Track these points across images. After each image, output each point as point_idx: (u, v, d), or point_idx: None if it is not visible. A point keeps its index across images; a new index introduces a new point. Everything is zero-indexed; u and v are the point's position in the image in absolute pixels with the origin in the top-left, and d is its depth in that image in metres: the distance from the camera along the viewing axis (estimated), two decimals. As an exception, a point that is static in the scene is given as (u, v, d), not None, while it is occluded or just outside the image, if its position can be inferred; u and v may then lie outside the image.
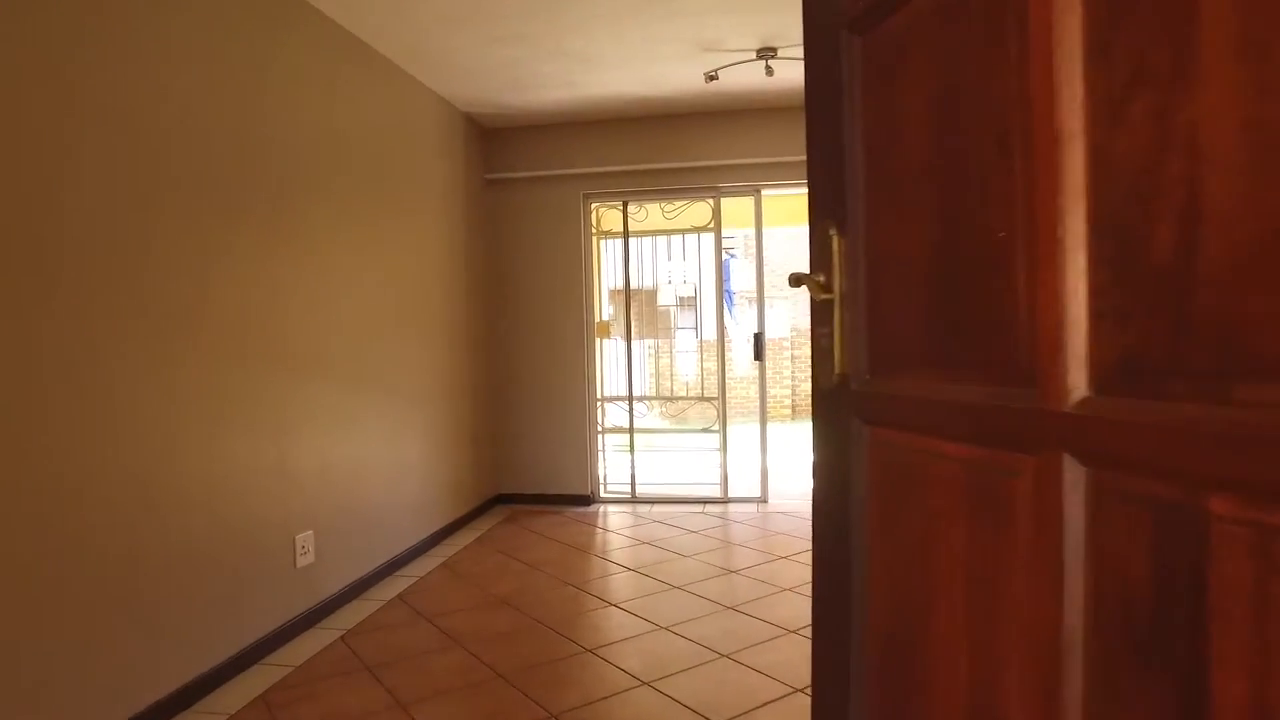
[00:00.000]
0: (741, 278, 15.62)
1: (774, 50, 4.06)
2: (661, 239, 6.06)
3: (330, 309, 3.45)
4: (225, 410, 2.77)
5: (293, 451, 3.15)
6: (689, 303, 16.62)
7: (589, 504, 5.47)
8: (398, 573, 3.96)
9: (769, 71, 4.09)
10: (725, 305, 16.59)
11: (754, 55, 4.11)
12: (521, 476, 5.53)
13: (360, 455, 3.69)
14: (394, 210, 4.12)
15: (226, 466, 2.77)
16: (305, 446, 3.24)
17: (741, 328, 14.93)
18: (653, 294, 12.46)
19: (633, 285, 5.66)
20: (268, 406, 3.01)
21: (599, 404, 5.65)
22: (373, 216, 3.87)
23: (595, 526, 4.94)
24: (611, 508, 5.43)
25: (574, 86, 4.65)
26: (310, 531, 3.24)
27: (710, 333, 14.59)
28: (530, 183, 5.44)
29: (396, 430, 4.08)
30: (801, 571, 3.88)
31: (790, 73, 4.35)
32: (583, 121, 5.35)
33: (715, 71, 4.16)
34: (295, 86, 3.25)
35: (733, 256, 16.36)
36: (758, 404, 5.59)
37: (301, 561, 3.17)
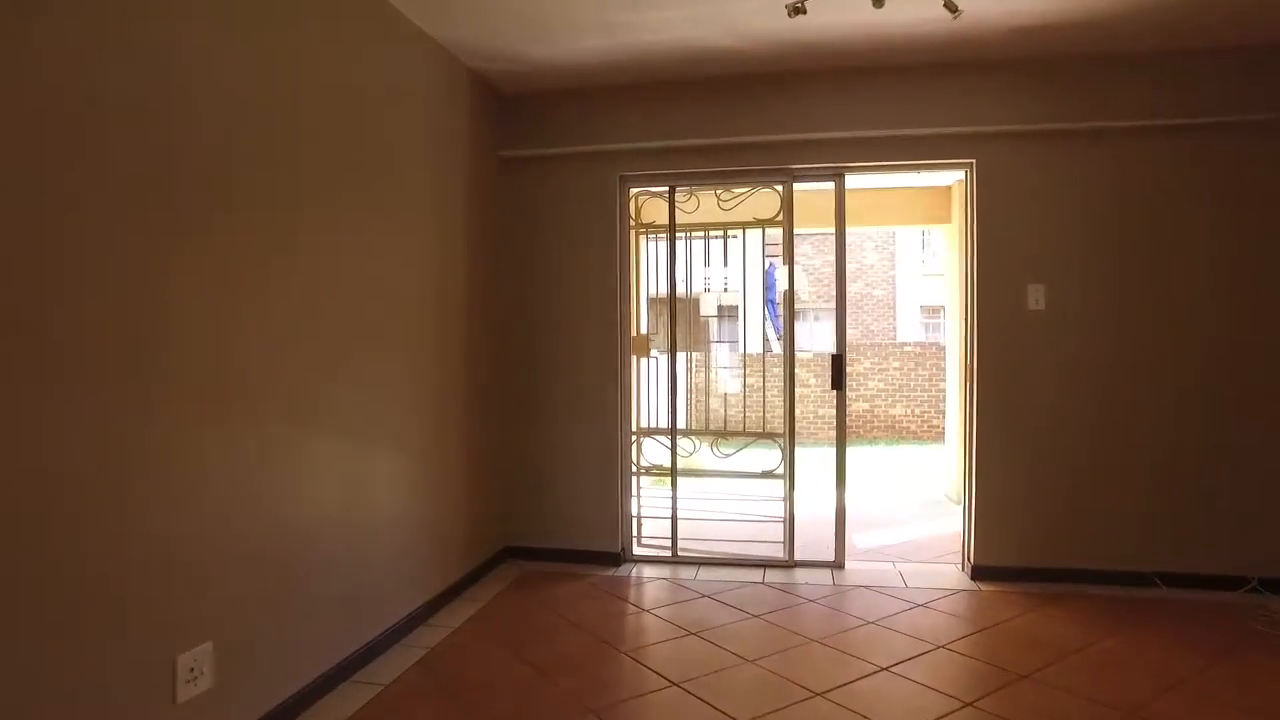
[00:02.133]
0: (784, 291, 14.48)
1: (886, -28, 2.95)
2: (715, 238, 4.97)
3: (263, 323, 2.40)
4: (60, 475, 1.73)
5: (185, 524, 2.11)
6: (729, 312, 15.52)
7: (619, 564, 4.37)
8: (354, 677, 2.89)
9: (877, 3, 2.98)
10: (770, 319, 15.47)
11: (857, -21, 3.01)
12: (537, 526, 4.46)
13: (304, 515, 2.64)
14: (371, 200, 3.08)
15: (60, 557, 1.73)
16: (207, 514, 2.19)
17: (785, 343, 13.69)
18: (697, 302, 11.40)
19: (679, 291, 4.57)
20: (150, 460, 1.97)
21: (634, 438, 4.56)
22: (336, 208, 2.83)
23: (627, 601, 3.83)
24: (647, 570, 4.32)
25: (612, 31, 3.58)
26: (207, 644, 2.18)
27: (753, 345, 13.42)
28: (555, 162, 4.37)
29: (363, 475, 3.02)
30: (913, 694, 2.74)
31: (897, 10, 3.24)
32: (621, 85, 4.28)
33: (802, 2, 3.06)
34: (221, 29, 2.21)
35: (774, 266, 15.21)
36: (820, 431, 4.46)
37: (187, 692, 2.11)
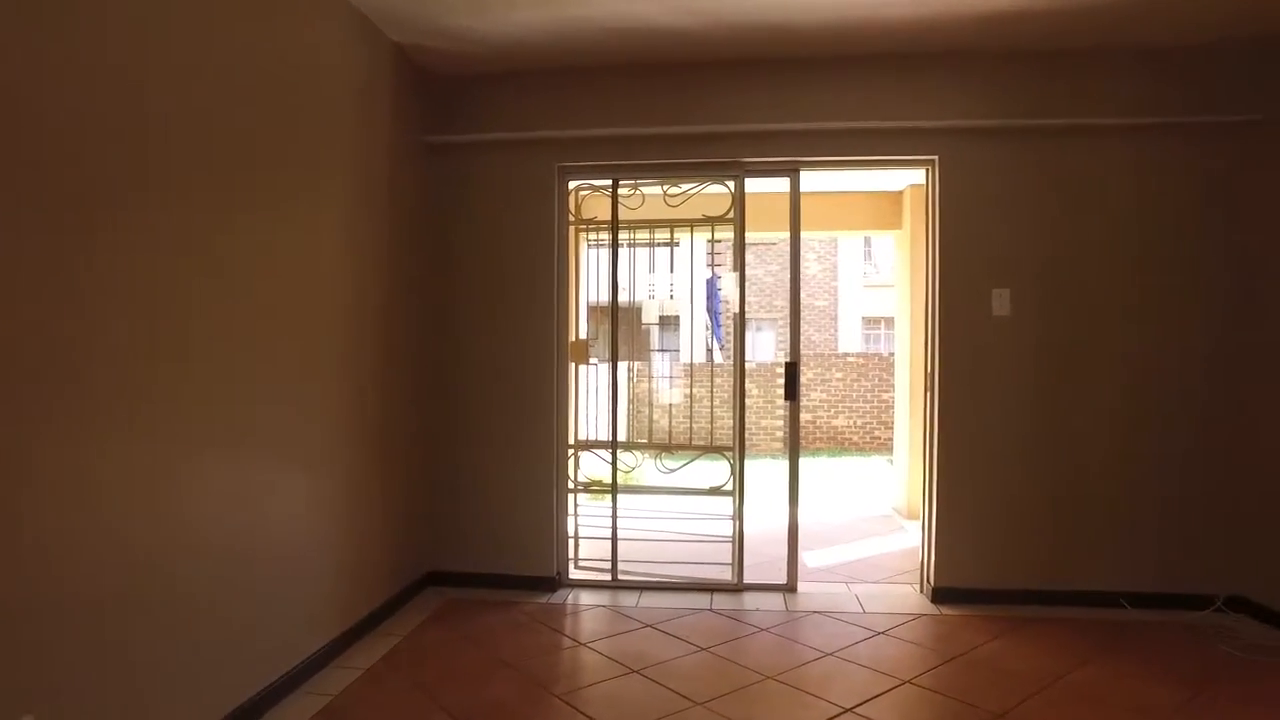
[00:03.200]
0: (730, 298, 14.28)
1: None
2: (659, 244, 4.65)
3: (127, 321, 1.98)
4: None
5: (9, 570, 1.67)
6: (671, 322, 15.25)
7: (554, 590, 3.99)
8: (240, 736, 2.46)
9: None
10: (713, 328, 15.22)
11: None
12: (464, 549, 4.05)
13: (179, 546, 2.20)
14: (275, 186, 2.66)
15: None
16: (31, 551, 1.75)
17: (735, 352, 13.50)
18: (639, 310, 11.07)
19: (620, 299, 4.23)
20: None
21: (571, 452, 4.20)
22: (232, 192, 2.41)
23: (562, 633, 3.46)
24: (585, 596, 3.95)
25: (547, 1, 3.24)
26: None
27: (697, 355, 13.19)
28: (488, 150, 4.00)
29: (259, 496, 2.60)
30: (887, 745, 2.45)
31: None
32: (561, 67, 3.93)
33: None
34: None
35: (718, 275, 14.99)
36: (762, 442, 4.17)
37: (1, 780, 1.67)
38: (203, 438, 2.31)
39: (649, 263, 4.77)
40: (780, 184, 4.13)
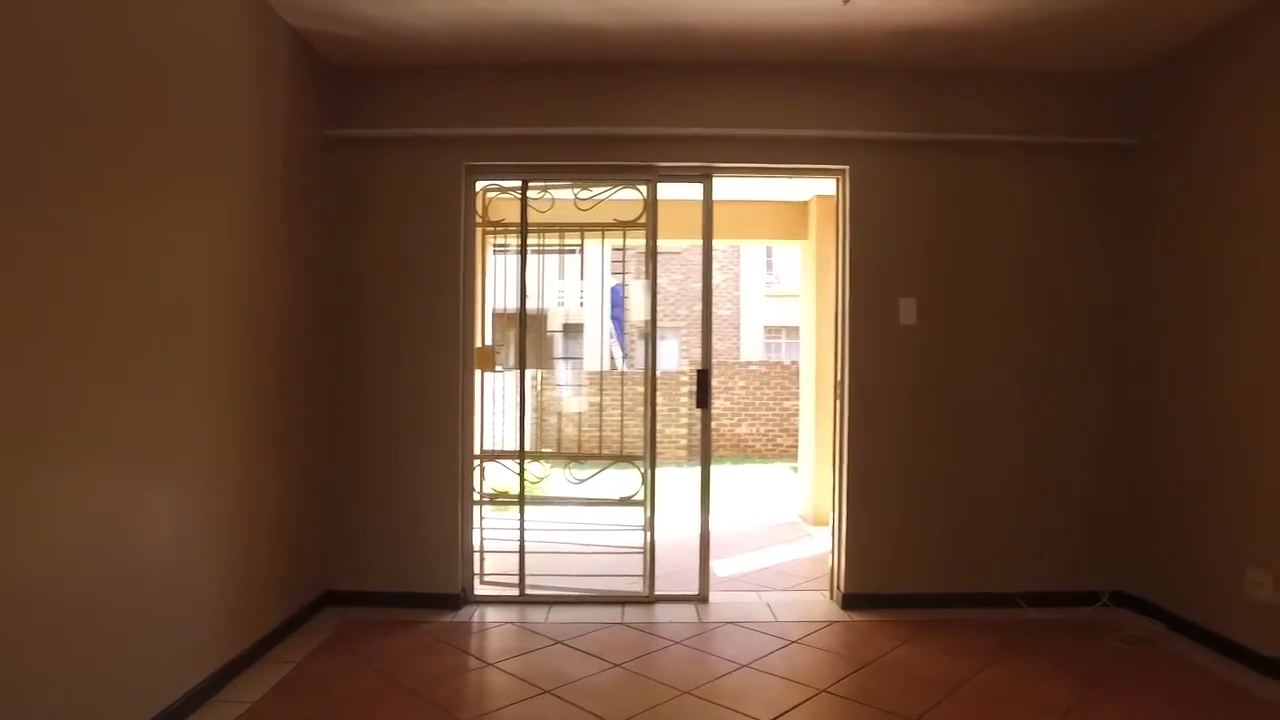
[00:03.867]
0: (636, 306, 14.26)
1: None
2: (568, 250, 4.54)
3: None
4: None
5: None
6: (574, 330, 15.13)
7: (459, 607, 3.81)
8: (105, 787, 2.20)
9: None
10: (615, 337, 15.17)
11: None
12: (364, 566, 3.82)
13: (23, 573, 1.94)
14: (146, 172, 2.41)
15: None
16: None
17: (647, 360, 13.49)
18: (544, 318, 10.88)
19: (525, 300, 4.10)
20: None
21: (477, 463, 4.03)
22: (95, 179, 2.16)
23: (468, 653, 3.29)
24: (492, 613, 3.79)
25: (460, -8, 3.10)
26: None
27: (596, 363, 13.05)
28: (392, 146, 3.80)
29: (128, 514, 2.34)
30: (807, 757, 2.41)
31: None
32: (470, 63, 3.79)
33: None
34: None
35: (624, 284, 14.99)
36: (667, 451, 4.14)
37: None
38: (62, 450, 2.06)
39: (559, 269, 4.65)
40: (690, 191, 4.10)
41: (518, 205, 4.02)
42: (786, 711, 2.73)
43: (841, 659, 3.22)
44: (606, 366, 14.30)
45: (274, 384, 3.28)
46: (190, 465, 2.68)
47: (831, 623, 3.66)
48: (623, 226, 4.11)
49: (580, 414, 5.91)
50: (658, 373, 12.13)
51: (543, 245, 4.24)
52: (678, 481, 8.01)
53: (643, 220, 4.02)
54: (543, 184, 4.02)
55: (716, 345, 16.57)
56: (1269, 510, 3.07)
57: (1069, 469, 3.87)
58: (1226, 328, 3.31)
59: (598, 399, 4.40)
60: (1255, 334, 3.15)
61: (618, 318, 14.58)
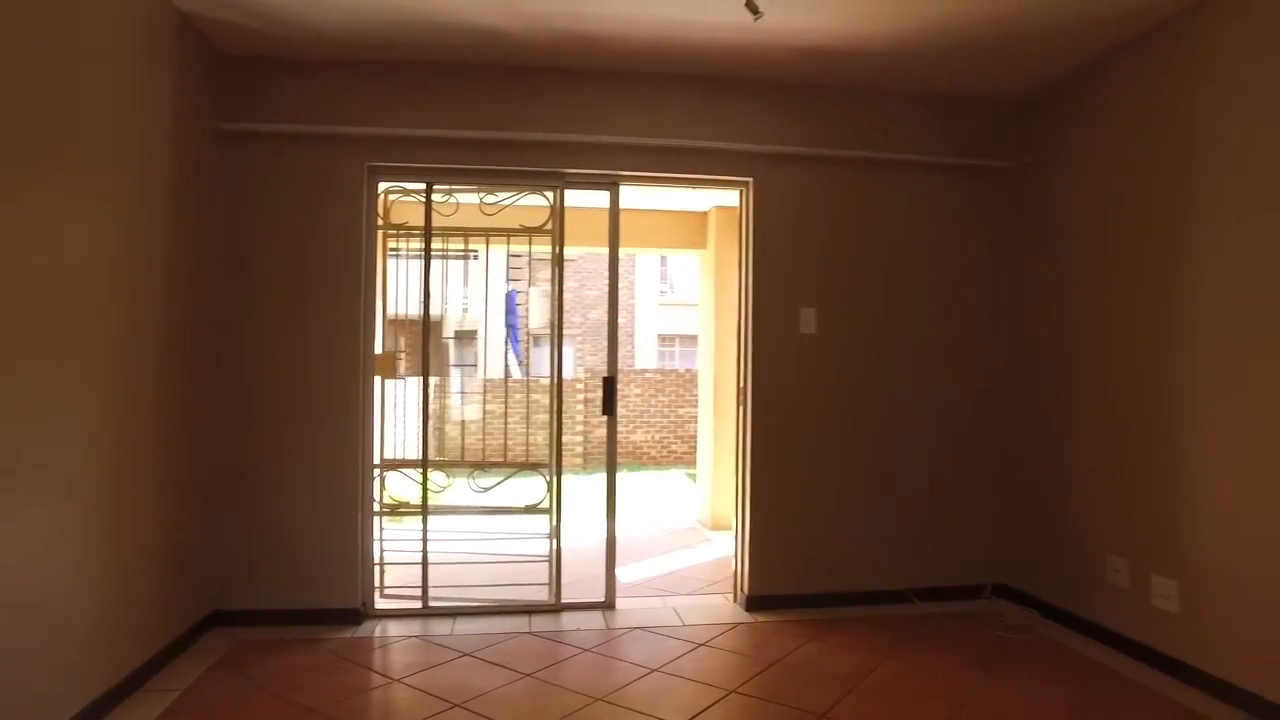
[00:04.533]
0: (533, 313, 14.11)
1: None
2: (471, 254, 4.46)
3: None
4: None
5: None
6: (467, 336, 14.83)
7: (359, 622, 3.67)
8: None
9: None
10: (511, 344, 15.01)
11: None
12: (255, 583, 3.62)
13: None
14: (26, 160, 2.22)
15: None
16: None
17: (553, 366, 13.48)
18: (439, 324, 10.61)
19: (420, 312, 4.00)
20: None
21: (376, 472, 3.90)
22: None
23: (371, 670, 3.17)
24: (394, 626, 3.67)
25: (366, -14, 3.01)
26: None
27: (494, 370, 12.95)
28: (290, 142, 3.64)
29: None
30: (723, 757, 2.45)
31: (697, 8, 3.03)
32: (376, 60, 3.68)
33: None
34: None
35: (517, 290, 14.81)
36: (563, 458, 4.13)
37: None
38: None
39: (463, 274, 4.56)
40: (591, 198, 4.12)
41: (418, 207, 3.92)
42: (699, 713, 2.76)
43: (749, 660, 3.29)
44: (502, 374, 14.11)
45: (158, 390, 3.07)
46: (60, 477, 2.47)
47: (737, 625, 3.73)
48: (529, 232, 4.07)
49: (481, 422, 5.82)
50: (545, 380, 12.08)
51: (446, 250, 4.15)
52: (576, 489, 7.98)
53: (549, 226, 4.01)
54: (448, 187, 3.93)
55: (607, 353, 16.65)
56: (1126, 502, 3.35)
57: (955, 470, 4.10)
58: (1087, 334, 3.59)
59: (495, 407, 4.34)
60: (1111, 340, 3.44)
61: (513, 324, 14.41)
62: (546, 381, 4.09)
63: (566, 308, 17.36)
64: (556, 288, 4.03)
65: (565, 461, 4.17)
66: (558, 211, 3.96)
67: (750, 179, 3.95)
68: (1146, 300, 3.29)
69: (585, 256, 15.78)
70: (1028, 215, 4.05)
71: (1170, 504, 3.14)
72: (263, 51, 3.58)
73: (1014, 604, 4.02)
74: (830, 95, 3.97)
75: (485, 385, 6.75)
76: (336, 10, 3.18)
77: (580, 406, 11.92)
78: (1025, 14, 3.14)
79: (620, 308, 17.61)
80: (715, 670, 3.17)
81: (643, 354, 17.14)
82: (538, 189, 3.96)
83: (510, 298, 14.17)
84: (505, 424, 4.45)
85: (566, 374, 15.70)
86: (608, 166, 3.89)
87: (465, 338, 14.33)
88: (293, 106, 3.63)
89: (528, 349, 15.27)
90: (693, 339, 17.52)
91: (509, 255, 11.17)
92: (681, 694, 2.93)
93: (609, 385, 4.08)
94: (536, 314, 14.20)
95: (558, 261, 4.02)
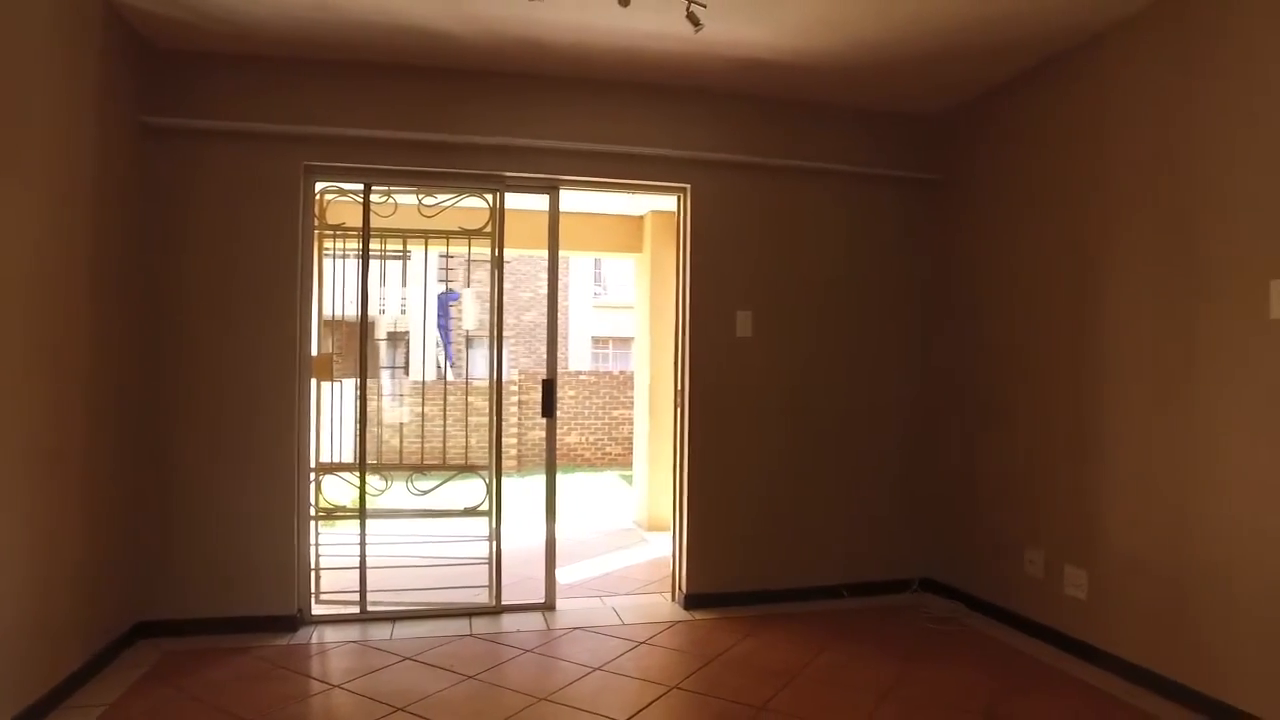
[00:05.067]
0: (466, 314, 13.93)
1: (630, -29, 2.77)
2: (402, 255, 4.43)
3: None
4: None
5: None
6: (400, 338, 14.58)
7: (295, 629, 3.61)
8: None
9: (622, 1, 2.79)
10: (443, 345, 14.80)
11: (600, -26, 2.80)
12: (182, 592, 3.52)
13: None
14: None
15: None
16: None
17: (492, 368, 13.34)
18: (372, 325, 10.41)
19: (352, 313, 3.96)
20: None
21: (312, 476, 3.83)
22: None
23: (310, 677, 3.12)
24: (332, 633, 3.62)
25: (306, -15, 2.97)
26: None
27: (429, 372, 12.73)
28: (224, 139, 3.55)
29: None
30: (666, 750, 2.51)
31: (640, 18, 3.09)
32: (314, 58, 3.63)
33: (542, -13, 2.77)
34: None
35: (453, 295, 14.63)
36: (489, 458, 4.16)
37: None
38: None
39: (401, 275, 4.52)
40: (529, 201, 4.14)
41: (355, 207, 3.88)
42: (642, 710, 2.82)
43: (688, 656, 3.36)
44: (434, 376, 13.92)
45: (81, 396, 2.97)
46: (-13, 486, 2.37)
47: (676, 623, 3.81)
48: (468, 235, 4.07)
49: (414, 424, 5.76)
50: (485, 382, 12.02)
51: (384, 251, 4.11)
52: (511, 491, 7.94)
53: (488, 229, 4.01)
54: (386, 188, 3.90)
55: (541, 353, 16.61)
56: (1042, 499, 3.55)
57: (885, 470, 4.26)
58: (1004, 340, 3.79)
59: (427, 409, 4.31)
60: (1025, 346, 3.64)
61: (445, 325, 14.24)
62: (479, 383, 4.07)
63: (495, 311, 17.24)
64: (496, 290, 4.03)
65: (471, 462, 4.18)
66: (498, 214, 3.97)
67: (688, 185, 4.03)
68: (1055, 308, 3.50)
69: (518, 259, 15.69)
70: (949, 225, 4.25)
71: (1081, 500, 3.35)
72: (194, 45, 3.49)
73: (939, 597, 4.20)
74: (766, 106, 4.09)
75: (416, 387, 6.67)
76: (270, 6, 3.12)
77: (514, 409, 11.86)
78: (944, 42, 3.31)
79: (492, 304, 17.47)
80: (656, 668, 3.23)
81: (576, 356, 17.14)
82: (478, 192, 3.96)
83: (443, 299, 14.00)
84: (444, 426, 4.42)
85: (494, 377, 15.56)
86: (548, 171, 3.91)
87: (397, 339, 14.10)
88: (227, 103, 3.55)
89: (460, 350, 15.11)
90: (626, 341, 17.62)
91: (442, 256, 11.07)
92: (624, 691, 2.98)
93: (548, 388, 4.10)
94: (470, 315, 14.07)
95: (497, 264, 4.02)
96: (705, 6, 2.96)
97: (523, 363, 16.23)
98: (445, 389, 5.17)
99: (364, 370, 3.97)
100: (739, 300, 4.07)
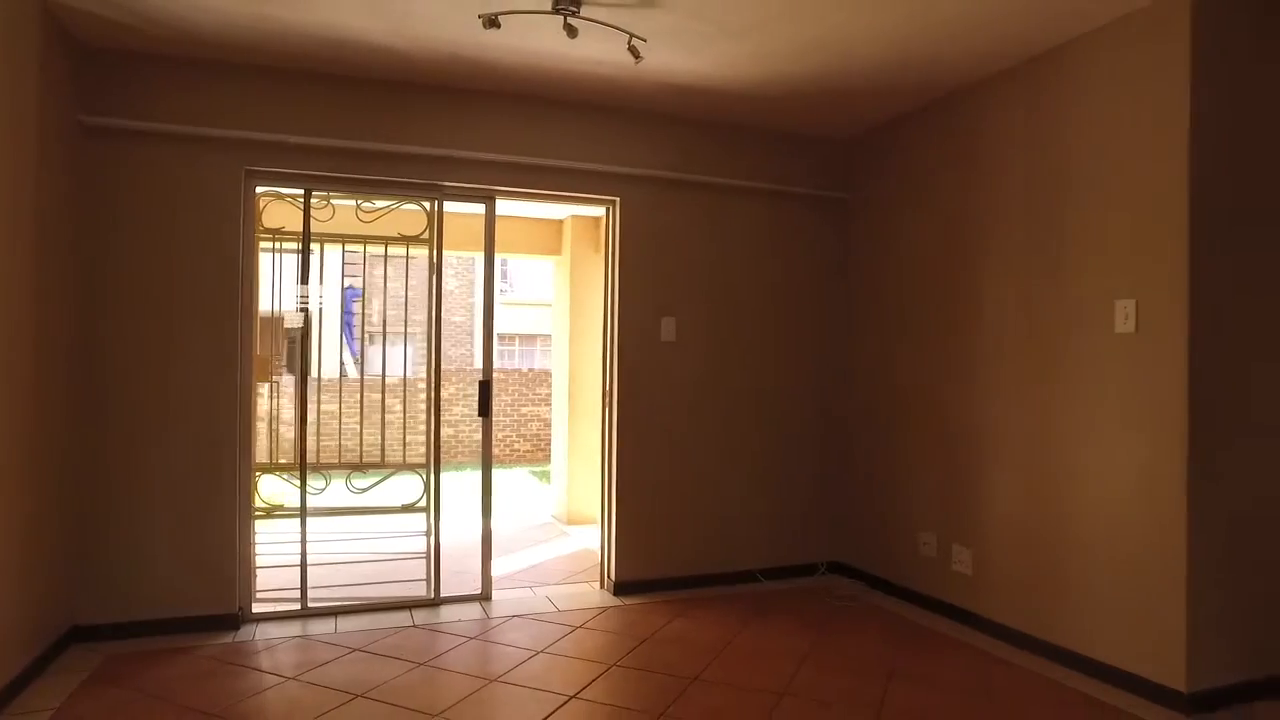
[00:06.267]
0: (375, 311, 13.71)
1: (577, 4, 3.01)
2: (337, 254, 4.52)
3: None
4: None
5: None
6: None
7: (237, 627, 3.67)
8: None
9: (571, 33, 3.02)
10: (347, 343, 14.55)
11: (550, 5, 3.02)
12: (122, 593, 3.52)
13: None
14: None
15: None
16: None
17: (429, 367, 13.08)
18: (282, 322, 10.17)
19: (265, 309, 4.05)
20: None
21: (253, 475, 3.89)
22: None
23: (265, 672, 3.22)
24: (276, 629, 3.70)
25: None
26: None
27: (328, 371, 12.52)
28: (164, 142, 3.56)
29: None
30: (615, 716, 2.77)
31: (584, 45, 3.33)
32: (257, 64, 3.68)
33: (496, 15, 2.96)
34: None
35: (355, 292, 14.42)
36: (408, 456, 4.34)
37: None
38: None
39: (332, 271, 4.59)
40: (472, 208, 4.31)
41: (290, 209, 3.96)
42: (589, 684, 3.07)
43: (623, 637, 3.63)
44: (339, 374, 13.64)
45: (19, 397, 2.97)
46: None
47: (608, 608, 4.07)
48: (406, 240, 4.21)
49: (337, 422, 5.78)
50: (396, 379, 11.87)
51: (324, 246, 4.18)
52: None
53: (425, 235, 4.16)
54: (326, 194, 3.99)
55: (451, 352, 16.51)
56: (934, 487, 4.01)
57: (796, 463, 4.66)
58: (901, 343, 4.24)
59: (332, 407, 4.42)
60: (919, 349, 4.09)
61: (349, 323, 13.99)
62: (391, 381, 4.22)
63: (411, 305, 17.08)
64: (435, 294, 4.19)
65: (408, 460, 4.35)
66: (436, 221, 4.12)
67: (618, 198, 4.29)
68: (942, 315, 3.96)
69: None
70: (854, 238, 4.68)
71: (966, 487, 3.81)
72: (130, 45, 3.48)
73: (845, 578, 4.63)
74: (694, 127, 4.40)
75: (334, 385, 6.69)
76: (208, 12, 3.15)
77: (423, 406, 11.81)
78: (852, 82, 3.69)
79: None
80: (595, 648, 3.49)
81: (480, 353, 17.11)
82: (417, 199, 4.10)
83: (348, 295, 13.76)
84: (383, 425, 4.53)
85: (408, 373, 15.38)
86: (485, 181, 4.10)
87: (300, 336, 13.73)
88: (169, 105, 3.56)
89: (363, 347, 14.85)
90: (532, 338, 17.72)
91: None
92: (569, 670, 3.23)
93: (484, 389, 4.29)
94: (378, 313, 13.87)
95: (436, 269, 4.17)
96: (645, 41, 3.24)
97: (431, 361, 16.08)
98: (363, 386, 5.25)
99: (304, 370, 4.04)
100: (665, 307, 4.36)
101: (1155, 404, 2.96)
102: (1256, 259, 3.02)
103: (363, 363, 6.74)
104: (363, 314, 5.76)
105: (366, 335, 14.53)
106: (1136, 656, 3.01)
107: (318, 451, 4.15)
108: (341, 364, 14.71)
